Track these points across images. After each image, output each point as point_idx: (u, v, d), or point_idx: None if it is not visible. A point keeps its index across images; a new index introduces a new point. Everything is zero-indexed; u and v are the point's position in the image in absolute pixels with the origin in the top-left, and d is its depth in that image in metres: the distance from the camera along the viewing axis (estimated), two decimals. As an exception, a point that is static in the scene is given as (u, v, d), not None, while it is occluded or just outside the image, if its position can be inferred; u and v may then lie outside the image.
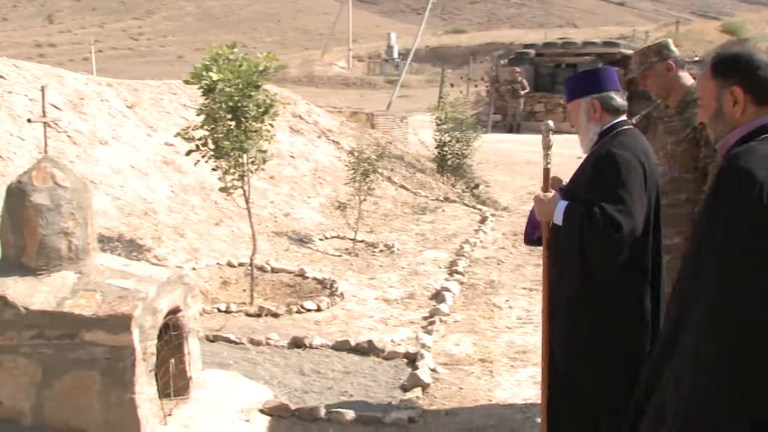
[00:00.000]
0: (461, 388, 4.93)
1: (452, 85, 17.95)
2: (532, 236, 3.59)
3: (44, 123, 4.18)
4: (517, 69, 21.69)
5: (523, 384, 4.98)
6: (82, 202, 4.09)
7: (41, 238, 3.94)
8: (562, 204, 3.19)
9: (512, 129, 21.40)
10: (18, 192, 3.95)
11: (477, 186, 12.96)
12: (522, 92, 21.30)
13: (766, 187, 2.00)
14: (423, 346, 5.52)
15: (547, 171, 3.39)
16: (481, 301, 6.84)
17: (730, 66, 2.29)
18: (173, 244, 7.54)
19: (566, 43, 23.43)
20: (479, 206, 11.48)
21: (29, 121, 4.12)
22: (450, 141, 13.00)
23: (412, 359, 5.30)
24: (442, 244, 9.07)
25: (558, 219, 3.18)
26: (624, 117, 3.38)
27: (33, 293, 3.83)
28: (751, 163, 2.06)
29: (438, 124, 13.10)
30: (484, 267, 7.92)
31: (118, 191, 8.03)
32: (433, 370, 5.13)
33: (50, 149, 7.77)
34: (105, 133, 8.94)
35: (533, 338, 5.83)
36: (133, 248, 7.05)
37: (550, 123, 3.41)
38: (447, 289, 6.95)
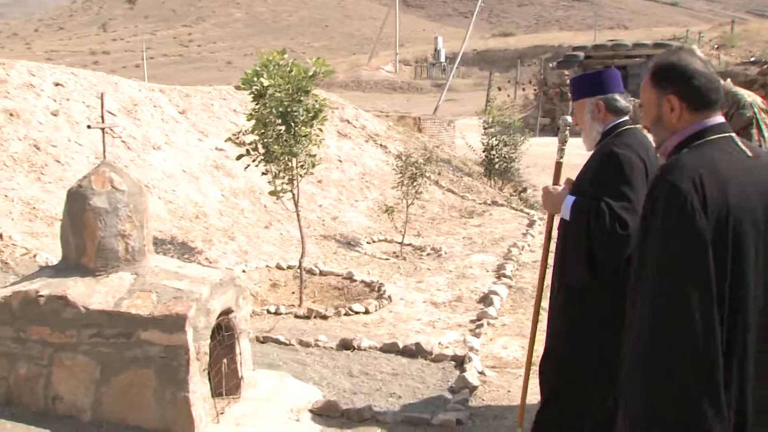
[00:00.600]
0: (509, 391, 4.93)
1: (499, 88, 17.91)
2: None
3: (102, 129, 4.32)
4: (566, 72, 21.51)
5: (571, 388, 4.95)
6: (138, 205, 4.22)
7: (100, 240, 4.07)
8: (570, 199, 3.30)
9: (560, 132, 21.24)
10: (78, 196, 4.09)
11: (525, 189, 12.91)
12: (570, 95, 21.14)
13: (689, 198, 2.18)
14: (471, 348, 5.54)
15: (559, 165, 3.52)
16: (529, 304, 6.80)
17: (666, 75, 2.45)
18: (224, 247, 7.69)
19: (616, 45, 23.17)
20: (527, 210, 11.43)
21: (89, 127, 4.27)
22: (497, 144, 12.96)
23: (459, 362, 5.32)
24: (489, 247, 9.06)
25: (565, 214, 3.29)
26: (627, 117, 3.48)
27: (92, 293, 3.97)
28: (676, 175, 2.24)
29: (485, 128, 13.08)
30: (532, 271, 7.88)
31: (171, 195, 8.22)
32: (481, 373, 5.14)
33: (107, 154, 8.02)
34: (158, 138, 9.17)
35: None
36: (184, 251, 7.21)
37: (568, 118, 3.53)
38: (495, 293, 6.94)
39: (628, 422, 2.31)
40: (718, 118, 2.43)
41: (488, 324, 6.20)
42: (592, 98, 3.46)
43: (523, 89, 27.21)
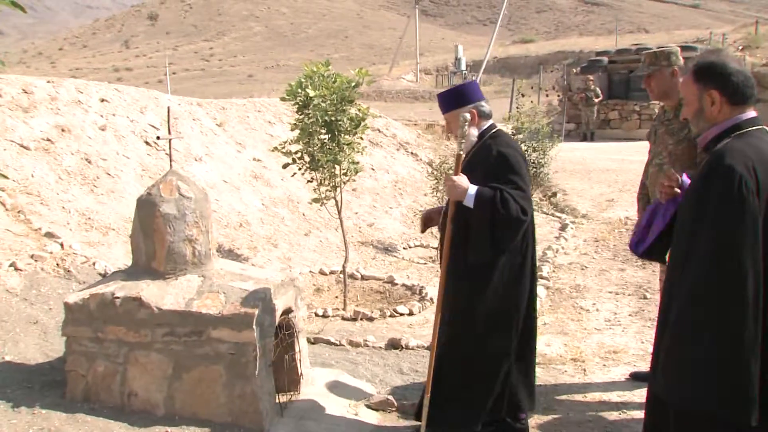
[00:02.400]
0: (556, 386, 5.09)
1: (523, 95, 17.99)
2: (645, 243, 3.41)
3: (170, 140, 4.56)
4: (590, 77, 21.57)
5: (617, 382, 5.11)
6: (204, 211, 4.45)
7: (169, 244, 4.31)
8: (474, 188, 3.71)
9: (586, 137, 21.28)
10: (148, 203, 4.34)
11: (555, 194, 13.01)
12: (596, 100, 21.16)
13: (743, 179, 2.51)
14: (514, 346, 5.70)
15: (459, 156, 3.85)
16: (568, 304, 6.97)
17: (707, 73, 2.79)
18: (268, 254, 7.93)
19: (640, 49, 23.13)
20: (558, 214, 11.55)
21: (158, 138, 4.52)
22: (526, 150, 13.08)
23: (505, 359, 5.48)
24: (524, 250, 9.21)
25: (469, 202, 3.70)
26: (492, 121, 4.04)
27: (163, 295, 4.20)
28: (732, 159, 2.57)
29: (513, 134, 13.22)
30: (568, 272, 8.04)
31: (214, 204, 8.47)
32: (527, 368, 5.30)
33: (152, 166, 8.32)
34: (198, 150, 9.45)
35: (623, 339, 5.96)
36: (232, 258, 7.44)
37: (467, 115, 3.82)
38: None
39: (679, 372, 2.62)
40: (752, 112, 2.79)
41: (529, 322, 6.35)
42: (464, 108, 3.91)
43: (547, 95, 27.27)
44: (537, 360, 5.48)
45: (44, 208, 6.49)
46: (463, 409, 3.97)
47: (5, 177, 1.94)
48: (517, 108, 14.24)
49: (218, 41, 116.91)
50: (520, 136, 13.03)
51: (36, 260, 5.72)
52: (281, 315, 4.50)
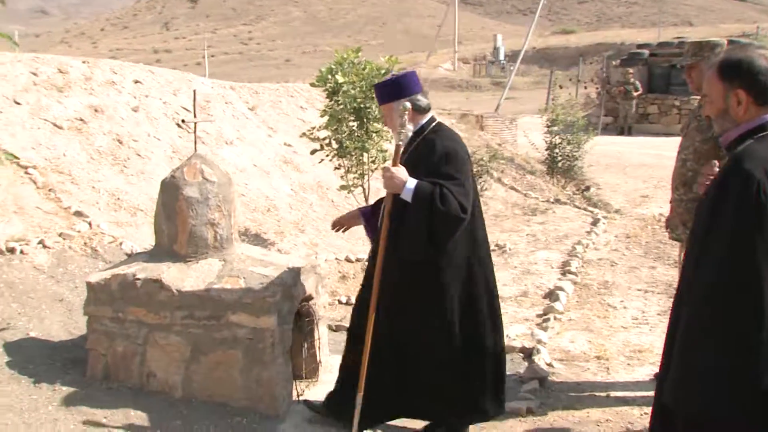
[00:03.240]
0: (578, 383, 5.02)
1: (561, 86, 17.77)
2: None
3: (195, 123, 4.57)
4: (630, 70, 21.20)
5: (640, 381, 5.02)
6: (227, 195, 4.45)
7: (191, 228, 4.32)
8: (413, 182, 3.55)
9: (623, 131, 20.96)
10: (171, 186, 4.35)
11: (588, 188, 12.85)
12: (635, 94, 20.81)
13: (761, 185, 2.42)
14: (539, 341, 5.64)
15: (398, 147, 3.68)
16: (595, 300, 6.86)
17: (734, 71, 2.65)
18: (295, 239, 7.93)
19: (683, 43, 22.68)
20: (590, 208, 11.39)
21: (183, 121, 4.52)
22: (560, 143, 12.94)
23: (528, 353, 5.43)
24: (553, 244, 9.10)
25: (407, 195, 3.55)
26: (431, 114, 3.88)
27: (184, 277, 4.21)
28: (751, 164, 2.47)
29: (548, 126, 13.07)
30: (598, 268, 7.92)
31: (243, 189, 8.50)
32: (550, 365, 5.25)
33: (182, 149, 8.36)
34: (230, 133, 9.47)
35: (650, 338, 5.85)
36: (258, 242, 7.46)
37: (407, 104, 3.68)
38: (561, 289, 7.01)
39: (687, 382, 2.54)
40: None
41: (555, 318, 6.28)
42: (398, 101, 3.73)
43: (585, 87, 26.92)
44: (559, 356, 5.47)
45: (74, 187, 6.56)
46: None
47: (16, 158, 1.93)
48: (553, 100, 14.05)
49: (257, 25, 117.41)
50: (555, 128, 12.90)
51: (64, 238, 5.78)
52: (301, 302, 4.49)
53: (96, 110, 7.74)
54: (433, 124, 3.85)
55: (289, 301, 4.22)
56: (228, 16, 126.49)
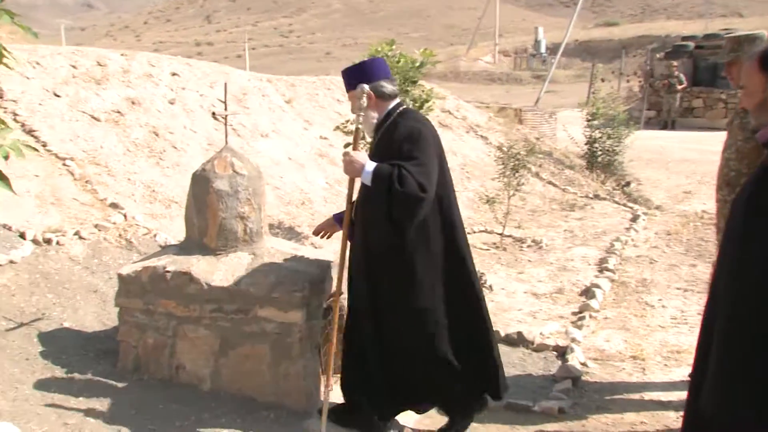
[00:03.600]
0: (612, 384, 4.91)
1: (603, 80, 17.50)
2: None
3: (226, 117, 4.56)
4: (675, 63, 20.76)
5: (677, 383, 4.89)
6: (257, 188, 4.44)
7: (221, 221, 4.32)
8: (371, 165, 3.44)
9: (667, 125, 20.55)
10: (202, 179, 4.35)
11: (628, 183, 12.60)
12: (679, 87, 20.37)
13: None
14: (573, 340, 5.54)
15: (357, 131, 3.62)
16: (632, 299, 6.72)
17: None
18: (329, 233, 7.91)
19: (729, 35, 22.14)
20: (630, 204, 11.18)
21: (213, 114, 4.51)
22: (600, 137, 12.71)
23: (561, 352, 5.33)
24: (591, 241, 8.95)
25: (366, 179, 3.44)
26: (398, 100, 3.74)
27: (213, 271, 4.21)
28: None
29: (588, 120, 12.86)
30: (636, 265, 7.76)
31: (278, 181, 8.51)
32: (584, 364, 5.14)
33: (218, 141, 8.40)
34: (266, 126, 9.49)
35: (688, 338, 5.69)
36: (291, 235, 7.46)
37: (366, 87, 3.57)
38: (597, 286, 6.88)
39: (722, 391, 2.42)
40: None
41: (590, 317, 6.16)
42: (358, 87, 3.59)
43: (628, 81, 26.46)
44: (594, 356, 5.36)
45: (111, 179, 6.63)
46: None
47: (35, 150, 1.95)
48: (593, 93, 13.82)
49: (297, 18, 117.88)
50: (595, 122, 12.69)
51: (100, 230, 5.84)
52: (331, 296, 4.46)
53: (133, 102, 7.81)
54: (400, 109, 3.71)
55: (318, 296, 4.20)
56: (269, 9, 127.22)
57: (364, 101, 3.57)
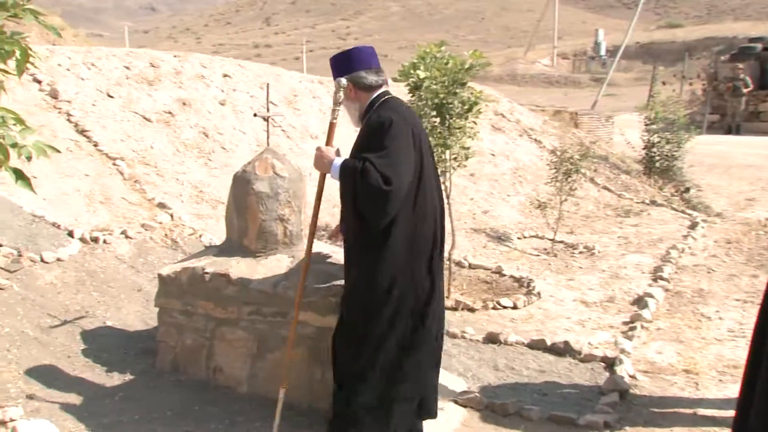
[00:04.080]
0: (662, 398, 4.71)
1: (664, 83, 17.05)
2: None
3: (267, 118, 4.52)
4: (740, 65, 20.10)
5: (732, 399, 4.66)
6: (297, 191, 4.39)
7: (261, 223, 4.29)
8: (339, 160, 3.35)
9: (731, 130, 19.91)
10: (242, 180, 4.32)
11: (687, 190, 12.22)
12: (744, 90, 19.71)
13: None
14: (622, 351, 5.34)
15: (332, 125, 3.50)
16: (687, 309, 6.47)
17: None
18: (376, 236, 7.85)
19: (801, 37, 21.36)
20: (689, 211, 10.83)
21: (255, 115, 4.48)
22: (659, 142, 12.37)
23: (609, 363, 5.14)
24: (646, 248, 8.68)
25: (335, 175, 3.34)
26: (383, 89, 3.52)
27: (252, 273, 4.18)
28: None
29: (647, 124, 12.52)
30: (693, 275, 7.48)
31: (327, 183, 8.47)
32: (632, 377, 4.95)
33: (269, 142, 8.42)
34: (315, 128, 9.49)
35: (746, 353, 5.44)
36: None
37: (343, 80, 3.45)
38: (650, 295, 6.65)
39: None
40: None
41: (642, 327, 5.95)
42: (341, 78, 3.46)
43: (690, 84, 25.76)
44: (644, 368, 5.16)
45: (159, 179, 6.69)
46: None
47: (57, 151, 1.92)
48: (652, 96, 13.46)
49: (355, 20, 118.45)
50: (654, 126, 12.35)
51: (146, 229, 5.89)
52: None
53: (184, 103, 7.89)
54: (382, 99, 3.50)
55: (356, 301, 4.12)
56: (327, 11, 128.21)
57: (341, 95, 3.45)
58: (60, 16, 21.21)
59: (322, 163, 3.43)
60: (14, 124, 1.99)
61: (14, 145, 2.00)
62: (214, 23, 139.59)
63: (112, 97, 7.42)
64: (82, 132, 6.76)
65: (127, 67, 7.95)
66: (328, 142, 3.50)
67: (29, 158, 2.03)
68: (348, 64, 3.51)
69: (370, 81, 3.48)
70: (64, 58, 7.75)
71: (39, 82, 7.22)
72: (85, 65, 7.76)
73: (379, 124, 3.30)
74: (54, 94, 7.08)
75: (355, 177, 3.22)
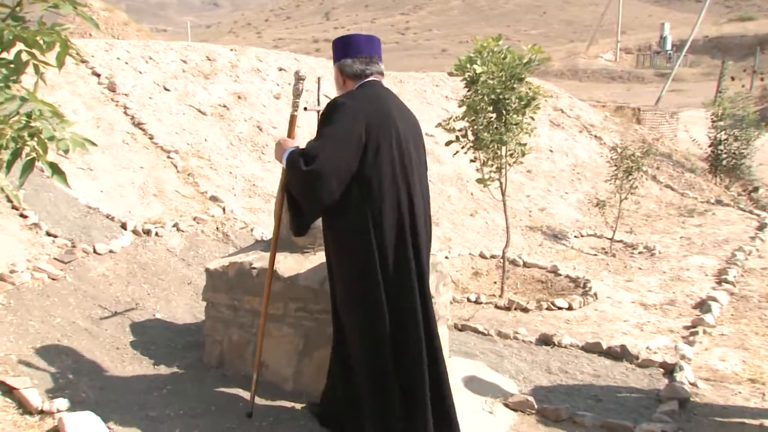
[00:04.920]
0: (725, 408, 4.49)
1: (733, 78, 16.44)
2: None
3: (318, 111, 4.45)
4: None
5: (801, 413, 4.42)
6: (346, 186, 4.30)
7: (309, 218, 4.20)
8: (288, 150, 3.24)
9: (803, 127, 19.12)
10: (291, 174, 4.25)
11: (756, 189, 11.77)
12: (817, 86, 18.91)
13: None
14: (683, 357, 5.12)
15: (293, 118, 3.49)
16: (754, 315, 6.18)
17: None
18: (429, 232, 7.74)
19: None
20: (757, 211, 10.41)
21: (305, 109, 4.41)
22: (726, 139, 11.93)
23: (669, 370, 4.94)
24: (710, 250, 8.36)
25: (283, 162, 3.26)
26: (373, 78, 3.36)
27: (299, 269, 4.11)
28: None
29: (714, 121, 12.09)
30: (761, 278, 7.16)
31: (381, 178, 8.40)
32: (693, 385, 4.74)
33: (323, 137, 8.39)
34: (371, 122, 9.40)
35: (816, 363, 5.17)
36: (391, 234, 7.33)
37: (301, 71, 3.49)
38: (714, 299, 6.38)
39: None
40: None
41: (704, 332, 5.70)
42: (334, 64, 3.42)
43: (761, 79, 24.87)
44: (705, 375, 4.94)
45: (212, 172, 6.70)
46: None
47: (93, 144, 1.88)
48: (720, 92, 12.98)
49: (415, 15, 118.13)
50: (721, 123, 11.92)
51: (198, 222, 5.90)
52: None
53: (239, 97, 7.90)
54: (359, 84, 3.36)
55: (404, 300, 4.02)
56: (386, 6, 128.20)
57: (300, 86, 3.52)
58: (125, 12, 21.65)
59: (277, 153, 3.38)
60: (51, 117, 1.95)
61: (51, 138, 1.97)
62: (274, 18, 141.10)
63: (168, 90, 7.48)
64: (138, 125, 6.82)
65: (184, 61, 8.00)
66: (290, 134, 3.46)
67: (66, 151, 1.99)
68: (341, 49, 3.42)
69: (355, 69, 3.36)
70: (123, 51, 7.85)
71: (98, 75, 7.32)
72: (143, 59, 7.84)
73: (328, 107, 3.22)
74: (112, 87, 7.17)
75: (289, 164, 3.19)
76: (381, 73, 3.45)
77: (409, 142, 3.37)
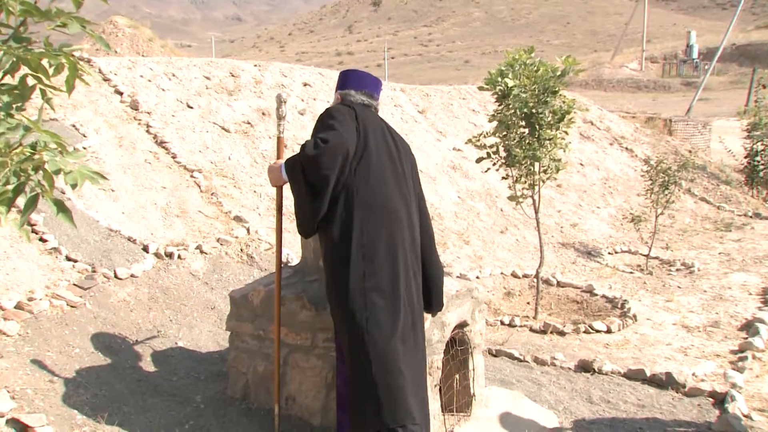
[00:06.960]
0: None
1: (764, 86, 16.03)
2: None
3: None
4: None
5: None
6: (376, 208, 4.09)
7: (337, 242, 3.99)
8: (283, 162, 3.41)
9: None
10: (319, 196, 4.05)
11: (793, 201, 11.39)
12: None
13: None
14: (733, 385, 4.83)
15: (279, 139, 3.65)
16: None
17: None
18: (458, 251, 7.50)
19: None
20: (796, 225, 10.04)
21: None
22: (763, 150, 11.57)
23: (719, 399, 4.65)
24: (751, 266, 8.03)
25: (284, 175, 3.40)
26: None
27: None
28: None
29: (748, 131, 11.74)
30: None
31: (408, 195, 8.18)
32: (747, 417, 4.44)
33: (348, 153, 8.19)
34: (397, 137, 9.19)
35: None
36: (419, 252, 7.10)
37: (283, 95, 3.65)
38: (761, 321, 6.07)
39: None
40: None
41: (753, 357, 5.40)
42: (336, 91, 3.68)
43: (792, 87, 24.32)
44: (759, 406, 4.64)
45: (236, 191, 6.53)
46: None
47: (105, 178, 1.72)
48: (756, 102, 12.62)
49: (437, 27, 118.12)
50: (757, 133, 11.57)
51: (221, 244, 5.72)
52: (454, 329, 4.05)
53: (263, 113, 7.73)
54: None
55: (439, 329, 3.80)
56: (409, 18, 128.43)
57: (283, 109, 3.69)
58: (150, 28, 21.70)
59: (272, 176, 3.52)
60: (56, 149, 1.76)
61: (58, 171, 1.78)
62: (297, 32, 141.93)
63: (191, 107, 7.32)
64: (160, 143, 6.67)
65: (207, 77, 7.85)
66: (278, 156, 3.63)
67: (74, 186, 1.80)
68: (349, 81, 3.68)
69: (356, 99, 3.60)
70: (146, 69, 7.72)
71: (120, 93, 7.19)
72: (166, 76, 7.70)
73: (324, 113, 3.40)
74: (134, 106, 7.03)
75: (297, 161, 3.30)
76: (377, 110, 3.70)
77: (401, 154, 3.59)
